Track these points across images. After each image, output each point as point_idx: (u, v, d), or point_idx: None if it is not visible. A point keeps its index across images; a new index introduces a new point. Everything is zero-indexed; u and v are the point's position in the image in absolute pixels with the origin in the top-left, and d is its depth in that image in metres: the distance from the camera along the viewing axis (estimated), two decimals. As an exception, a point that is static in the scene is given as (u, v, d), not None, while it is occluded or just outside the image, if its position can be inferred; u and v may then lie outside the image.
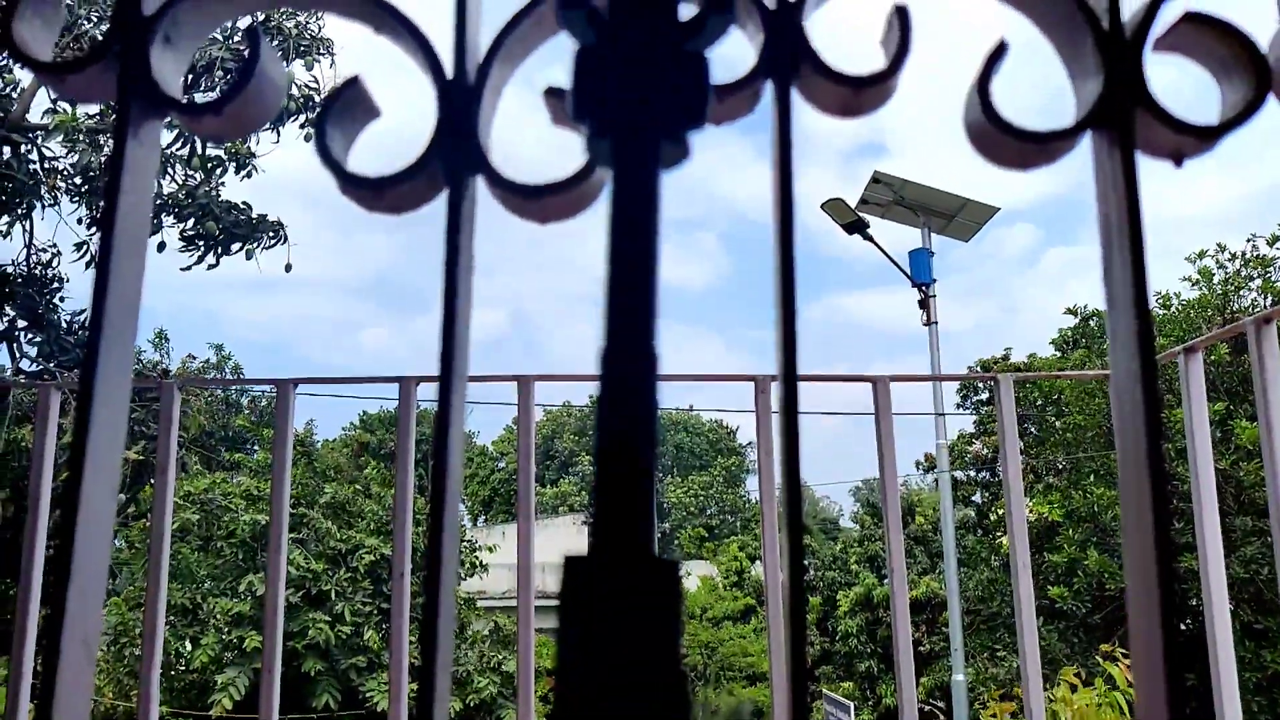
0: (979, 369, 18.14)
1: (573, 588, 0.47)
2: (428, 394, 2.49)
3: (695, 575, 27.55)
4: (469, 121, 0.59)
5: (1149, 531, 0.54)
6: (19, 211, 10.20)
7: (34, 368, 10.06)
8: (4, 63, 9.60)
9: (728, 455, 43.71)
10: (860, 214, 14.18)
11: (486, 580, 17.66)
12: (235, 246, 10.44)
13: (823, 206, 13.95)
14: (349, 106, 0.62)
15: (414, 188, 0.59)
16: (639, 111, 0.51)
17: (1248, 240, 14.05)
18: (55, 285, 10.53)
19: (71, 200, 10.22)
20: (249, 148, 10.40)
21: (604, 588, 0.47)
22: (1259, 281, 13.86)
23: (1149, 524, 0.54)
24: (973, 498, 18.86)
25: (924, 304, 13.74)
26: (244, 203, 10.54)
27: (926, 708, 17.81)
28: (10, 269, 10.33)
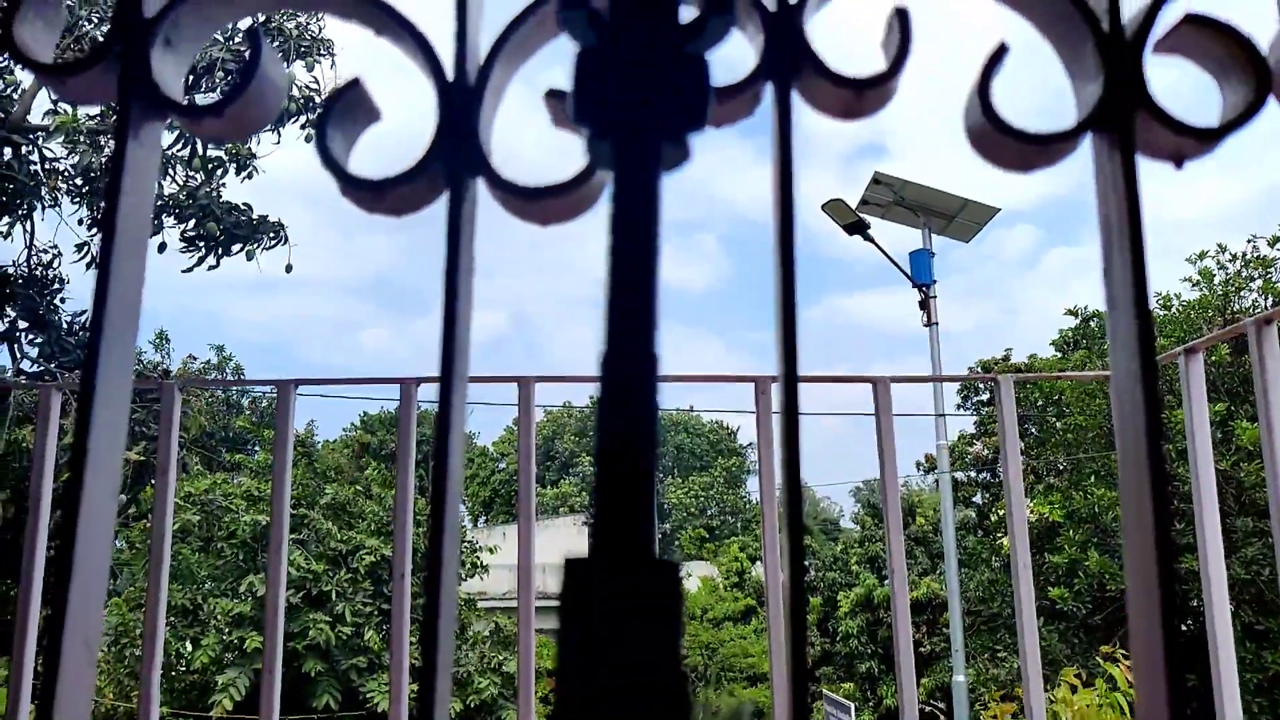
0: (979, 370, 18.14)
1: (573, 589, 0.47)
2: (428, 395, 2.49)
3: (696, 576, 27.56)
4: (470, 123, 0.59)
5: (1149, 532, 0.54)
6: (20, 212, 10.20)
7: (35, 368, 10.06)
8: (5, 64, 9.60)
9: (728, 456, 43.71)
10: (861, 215, 14.18)
11: (487, 581, 17.67)
12: (236, 247, 10.45)
13: (823, 207, 13.95)
14: (350, 109, 0.62)
15: (415, 189, 0.59)
16: (640, 114, 0.51)
17: (1248, 241, 14.06)
18: (56, 286, 10.54)
19: (72, 201, 10.23)
20: (249, 149, 10.41)
21: (604, 589, 0.47)
22: (1259, 282, 13.86)
23: (1149, 524, 0.54)
24: (973, 498, 18.86)
25: (924, 305, 13.73)
26: (244, 204, 10.55)
27: (927, 709, 17.81)
28: (11, 270, 10.33)
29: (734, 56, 0.61)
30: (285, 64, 10.26)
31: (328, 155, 0.60)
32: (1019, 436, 2.66)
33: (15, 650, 2.36)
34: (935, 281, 13.87)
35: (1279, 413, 2.16)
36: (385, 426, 32.08)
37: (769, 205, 0.57)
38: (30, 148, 9.80)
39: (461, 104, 0.59)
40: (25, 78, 10.07)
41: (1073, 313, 16.26)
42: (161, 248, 10.22)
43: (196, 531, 15.93)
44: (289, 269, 10.80)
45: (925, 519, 21.87)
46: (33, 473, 2.48)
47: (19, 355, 10.10)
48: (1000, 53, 0.61)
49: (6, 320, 10.16)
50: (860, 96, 0.60)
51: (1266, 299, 13.62)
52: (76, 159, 9.86)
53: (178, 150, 10.08)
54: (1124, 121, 0.58)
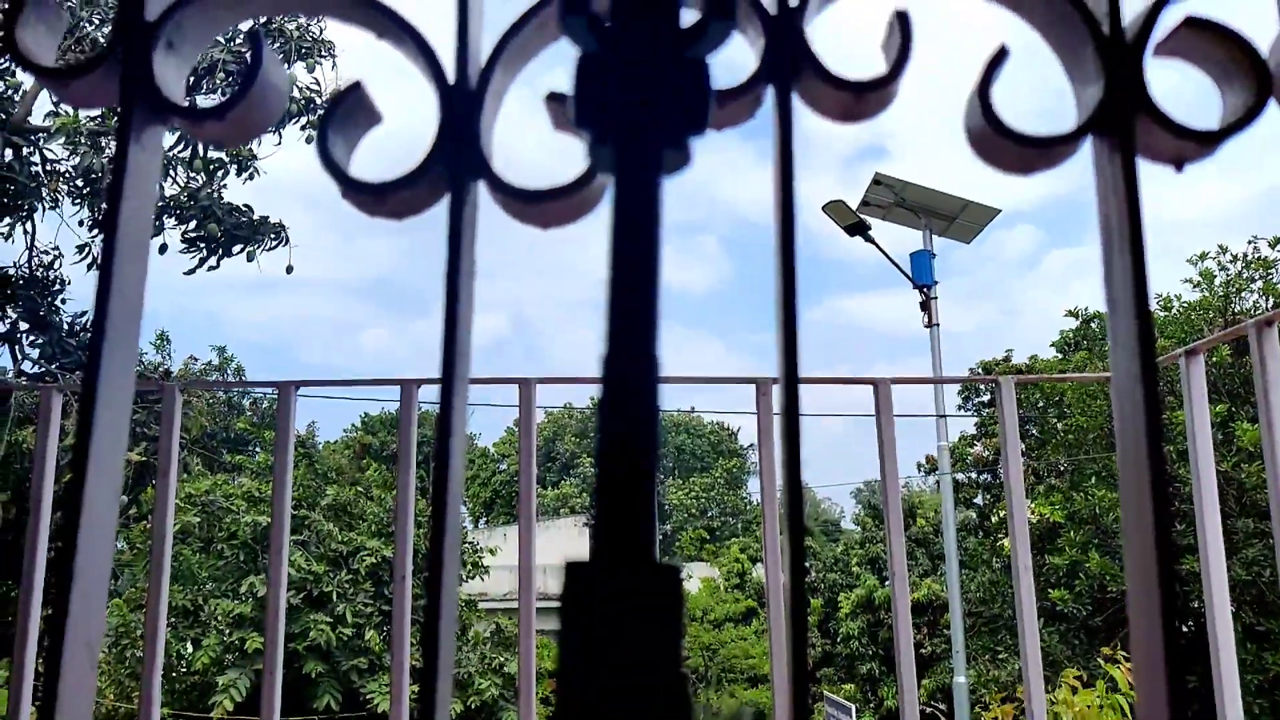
0: (980, 371, 18.14)
1: (574, 591, 0.47)
2: (429, 395, 2.50)
3: (697, 577, 27.56)
4: (471, 127, 0.59)
5: (1149, 533, 0.54)
6: (21, 214, 10.21)
7: (36, 370, 10.07)
8: (6, 65, 9.61)
9: (729, 457, 43.72)
10: (861, 216, 14.18)
11: (488, 582, 17.67)
12: (237, 248, 10.45)
13: (824, 209, 13.95)
14: (351, 112, 0.62)
15: (416, 193, 0.59)
16: (640, 118, 0.51)
17: (1249, 242, 14.06)
18: (57, 287, 10.54)
19: (73, 202, 10.23)
20: (250, 150, 10.42)
21: (605, 591, 0.47)
22: (1260, 284, 13.86)
23: (1149, 525, 0.54)
24: (974, 500, 18.86)
25: (925, 306, 13.73)
26: (245, 205, 10.55)
27: (928, 710, 17.80)
28: (12, 271, 10.34)
29: (735, 59, 0.61)
30: (286, 65, 10.27)
31: (329, 159, 0.60)
32: (1020, 437, 2.66)
33: (16, 652, 2.36)
34: (936, 283, 13.86)
35: (1280, 414, 2.16)
36: (386, 427, 32.09)
37: (770, 207, 0.57)
38: (31, 149, 9.81)
39: (463, 107, 0.59)
40: (27, 79, 10.07)
41: (1073, 314, 16.26)
42: (163, 249, 10.23)
43: (197, 532, 15.94)
44: (289, 270, 10.81)
45: (926, 520, 21.86)
46: (34, 474, 2.48)
47: (20, 356, 10.11)
48: (1001, 55, 0.61)
49: (7, 321, 10.16)
50: (860, 99, 0.60)
51: (1267, 300, 13.61)
52: (77, 160, 9.86)
53: (179, 151, 10.09)
54: (1124, 125, 0.58)
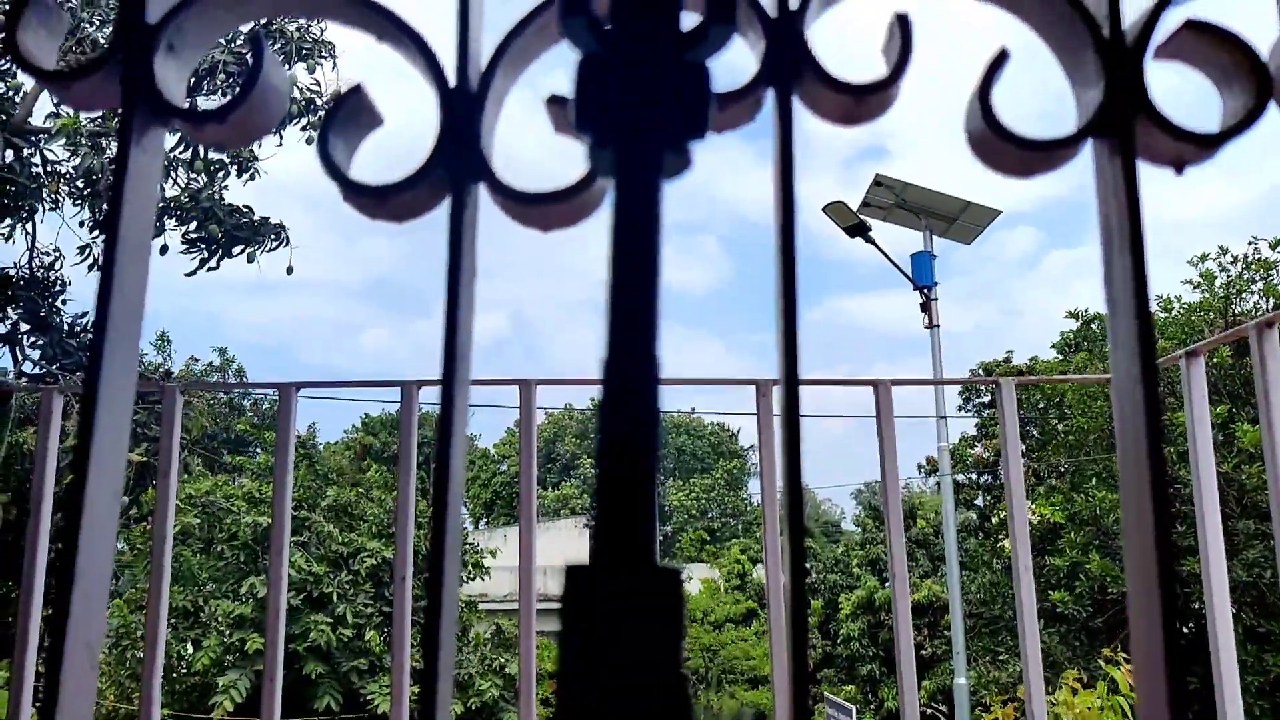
0: (981, 372, 18.15)
1: (575, 594, 0.47)
2: (430, 396, 2.50)
3: (697, 578, 27.55)
4: (472, 129, 0.59)
5: (1150, 534, 0.54)
6: (21, 215, 10.21)
7: (36, 370, 10.07)
8: (6, 66, 9.62)
9: (729, 458, 43.72)
10: (862, 217, 14.18)
11: (488, 583, 17.68)
12: (237, 249, 10.46)
13: (824, 209, 13.95)
14: (352, 115, 0.62)
15: (416, 196, 0.59)
16: (641, 121, 0.51)
17: (1249, 243, 14.06)
18: (58, 288, 10.55)
19: (74, 203, 10.23)
20: (251, 151, 10.42)
21: (606, 594, 0.47)
22: (1261, 285, 13.86)
23: (1150, 527, 0.54)
24: (975, 501, 18.86)
25: (926, 307, 13.73)
26: (246, 206, 10.56)
27: (929, 711, 17.80)
28: (13, 272, 10.34)
29: (735, 61, 0.61)
30: (287, 66, 10.27)
31: (330, 162, 0.60)
32: (1020, 438, 2.66)
33: (16, 653, 2.36)
34: (936, 283, 13.87)
35: (1280, 416, 2.16)
36: (386, 428, 32.09)
37: (770, 207, 0.57)
38: (32, 150, 9.82)
39: (463, 110, 0.59)
40: (28, 80, 10.07)
41: (1073, 315, 16.27)
42: (163, 250, 10.23)
43: (197, 533, 15.94)
44: (290, 271, 10.81)
45: (926, 521, 21.86)
46: (34, 475, 2.48)
47: (21, 357, 10.11)
48: (1001, 58, 0.61)
49: (8, 322, 10.17)
50: (860, 102, 0.60)
51: (1268, 301, 13.61)
52: (78, 161, 9.87)
53: (180, 153, 10.09)
54: (1125, 127, 0.58)
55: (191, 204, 10.23)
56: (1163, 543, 0.53)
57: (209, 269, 10.43)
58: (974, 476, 18.65)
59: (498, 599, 18.92)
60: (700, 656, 23.48)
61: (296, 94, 10.52)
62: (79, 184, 10.03)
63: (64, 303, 10.54)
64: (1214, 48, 0.62)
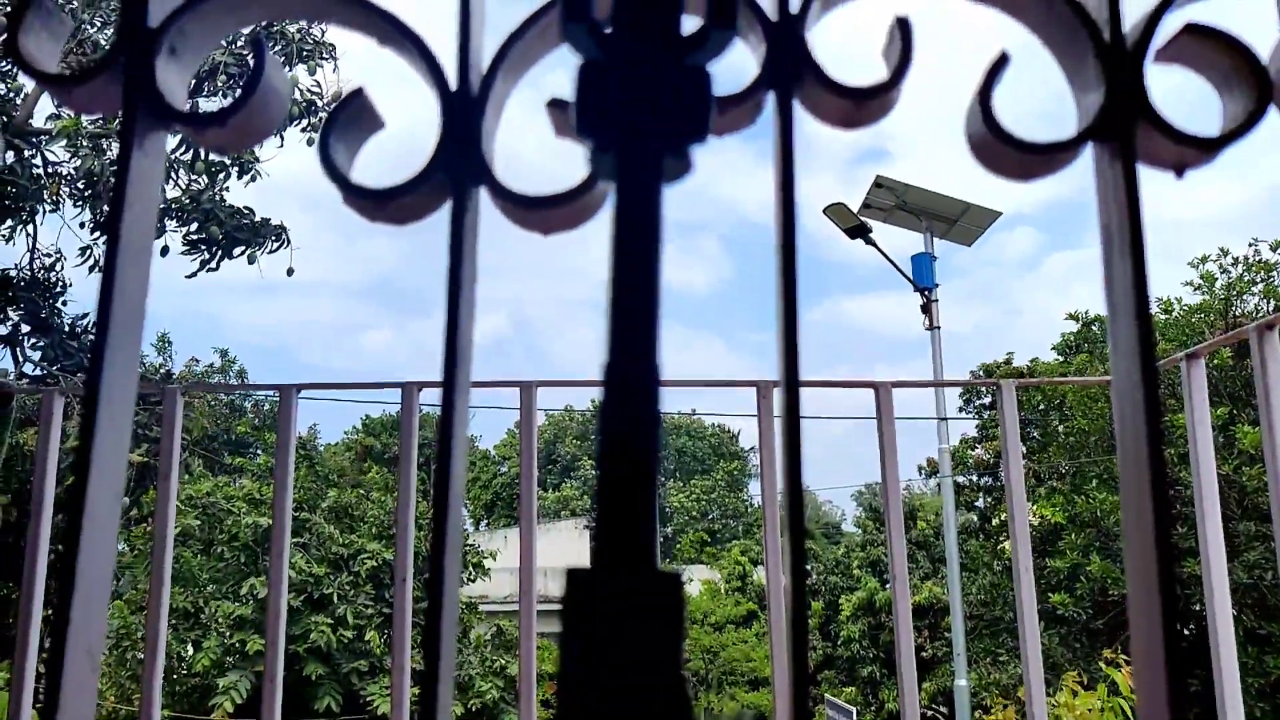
0: (981, 373, 18.15)
1: (575, 597, 0.47)
2: (431, 397, 2.50)
3: (697, 580, 27.54)
4: (472, 133, 0.59)
5: (1150, 536, 0.54)
6: (22, 216, 10.22)
7: (37, 372, 10.08)
8: (8, 68, 9.62)
9: (730, 459, 43.72)
10: (863, 218, 14.18)
11: (489, 584, 17.68)
12: (237, 250, 10.46)
13: (825, 211, 13.94)
14: (353, 118, 0.62)
15: (417, 199, 0.59)
16: (642, 126, 0.51)
17: (1250, 245, 14.05)
18: (59, 289, 10.55)
19: (74, 205, 10.24)
20: (252, 152, 10.42)
21: (606, 597, 0.47)
22: (1261, 286, 13.85)
23: (1150, 528, 0.54)
24: (975, 502, 18.85)
25: (926, 308, 13.73)
26: (246, 207, 10.56)
27: (929, 713, 17.79)
28: (14, 273, 10.35)
29: (736, 64, 0.61)
30: (287, 68, 10.27)
31: (331, 164, 0.60)
32: (1021, 440, 2.66)
33: (16, 656, 2.36)
34: (937, 285, 13.86)
35: (1281, 418, 2.16)
36: (387, 429, 32.11)
37: (771, 208, 0.57)
38: (33, 151, 9.82)
39: (464, 113, 0.59)
40: (28, 82, 10.08)
41: (1074, 317, 16.26)
42: (164, 251, 10.24)
43: (198, 534, 15.94)
44: (290, 272, 10.82)
45: (927, 523, 21.85)
46: (35, 477, 2.48)
47: (21, 358, 10.11)
48: (1001, 62, 0.61)
49: (9, 324, 10.17)
50: (861, 106, 0.60)
51: (1268, 303, 13.61)
52: (79, 162, 9.87)
53: (181, 154, 10.10)
54: (1125, 131, 0.58)
55: (192, 205, 10.24)
56: (1163, 544, 0.53)
57: (209, 270, 10.44)
58: (974, 478, 18.65)
59: (498, 600, 18.92)
60: (701, 658, 23.47)
61: (297, 95, 10.52)
62: (80, 185, 10.03)
63: (64, 304, 10.55)
64: (1214, 51, 0.62)
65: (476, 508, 37.58)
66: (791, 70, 0.59)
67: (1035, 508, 14.27)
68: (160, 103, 0.60)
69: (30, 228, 10.50)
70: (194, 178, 10.38)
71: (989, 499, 18.09)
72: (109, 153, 9.69)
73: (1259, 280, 13.93)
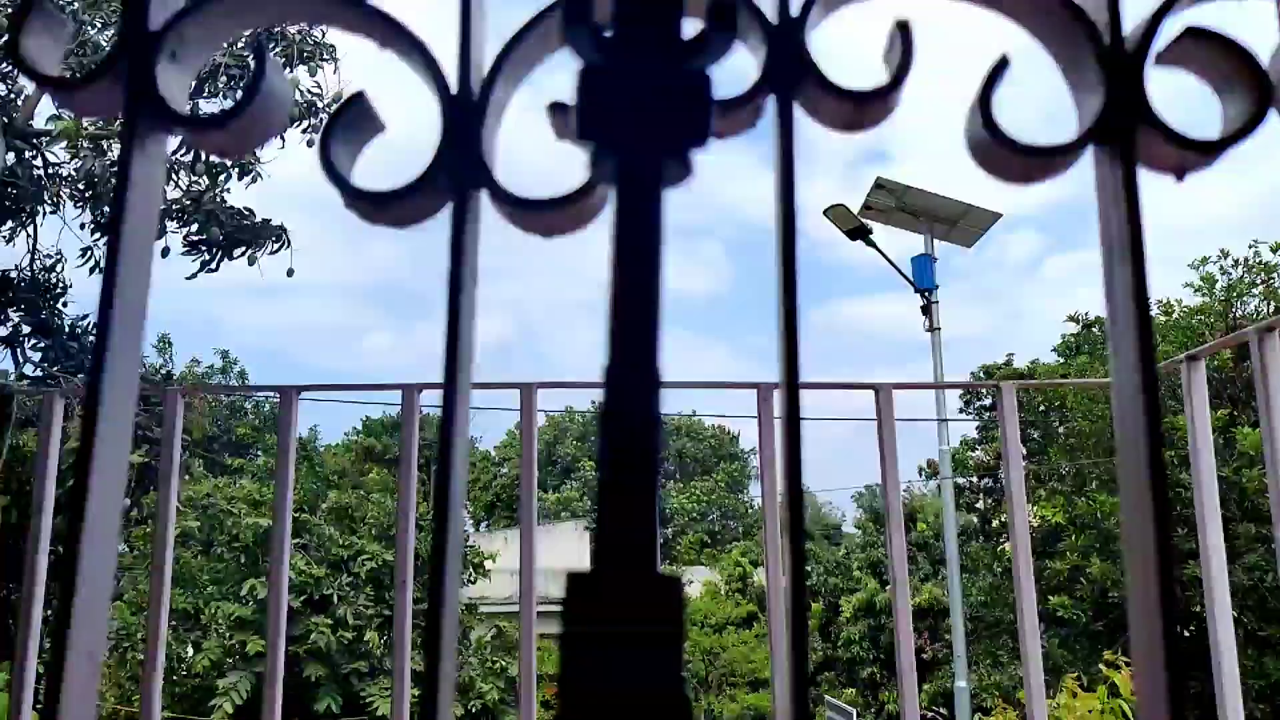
0: (982, 375, 18.15)
1: (576, 601, 0.47)
2: (431, 399, 2.50)
3: (698, 581, 27.53)
4: (473, 136, 0.59)
5: (1150, 538, 0.54)
6: (23, 217, 10.22)
7: (38, 373, 10.07)
8: (9, 70, 9.63)
9: (730, 461, 43.71)
10: (863, 220, 14.18)
11: (489, 585, 17.67)
12: (238, 251, 10.46)
13: (825, 213, 13.94)
14: (354, 122, 0.62)
15: (418, 202, 0.59)
16: (642, 130, 0.51)
17: (1250, 246, 14.05)
18: (59, 290, 10.55)
19: (75, 206, 10.24)
20: (253, 153, 10.42)
21: (607, 601, 0.47)
22: (1261, 288, 13.85)
23: (1150, 531, 0.54)
24: (975, 504, 18.84)
25: (926, 310, 13.73)
26: (247, 208, 10.56)
27: (929, 715, 17.78)
28: (14, 274, 10.35)
29: (736, 66, 0.61)
30: (288, 69, 10.28)
31: (331, 168, 0.60)
32: (1021, 441, 2.66)
33: (17, 657, 2.36)
34: (937, 287, 13.87)
35: (1281, 420, 2.16)
36: (387, 431, 32.09)
37: (772, 211, 0.57)
38: (33, 152, 9.83)
39: (465, 117, 0.59)
40: (29, 84, 10.08)
41: (1074, 319, 16.27)
42: (164, 252, 10.23)
43: (198, 535, 15.94)
44: (290, 273, 10.81)
45: (927, 524, 21.85)
46: (35, 478, 2.48)
47: (22, 359, 10.11)
48: (1001, 66, 0.61)
49: (9, 325, 10.17)
50: (862, 109, 0.60)
51: (1268, 305, 13.61)
52: (79, 163, 9.88)
53: (181, 155, 10.10)
54: (1125, 135, 0.58)
55: (193, 206, 10.24)
56: (1163, 546, 0.54)
57: (209, 271, 10.43)
58: (975, 480, 18.64)
59: (498, 601, 18.91)
60: (701, 660, 23.46)
61: (298, 97, 10.52)
62: (80, 186, 10.04)
63: (65, 305, 10.55)
64: (1214, 55, 0.62)
65: (477, 509, 37.57)
66: (792, 73, 0.59)
67: (1035, 509, 14.27)
68: (161, 106, 0.60)
69: (31, 229, 10.50)
70: (195, 179, 10.38)
71: (989, 500, 18.09)
72: (110, 154, 9.69)
73: (1259, 282, 13.93)
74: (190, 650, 14.59)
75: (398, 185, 0.59)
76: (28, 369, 10.12)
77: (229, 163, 10.29)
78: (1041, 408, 16.04)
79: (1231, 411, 12.31)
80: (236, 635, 14.45)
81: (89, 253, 10.12)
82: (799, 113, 0.59)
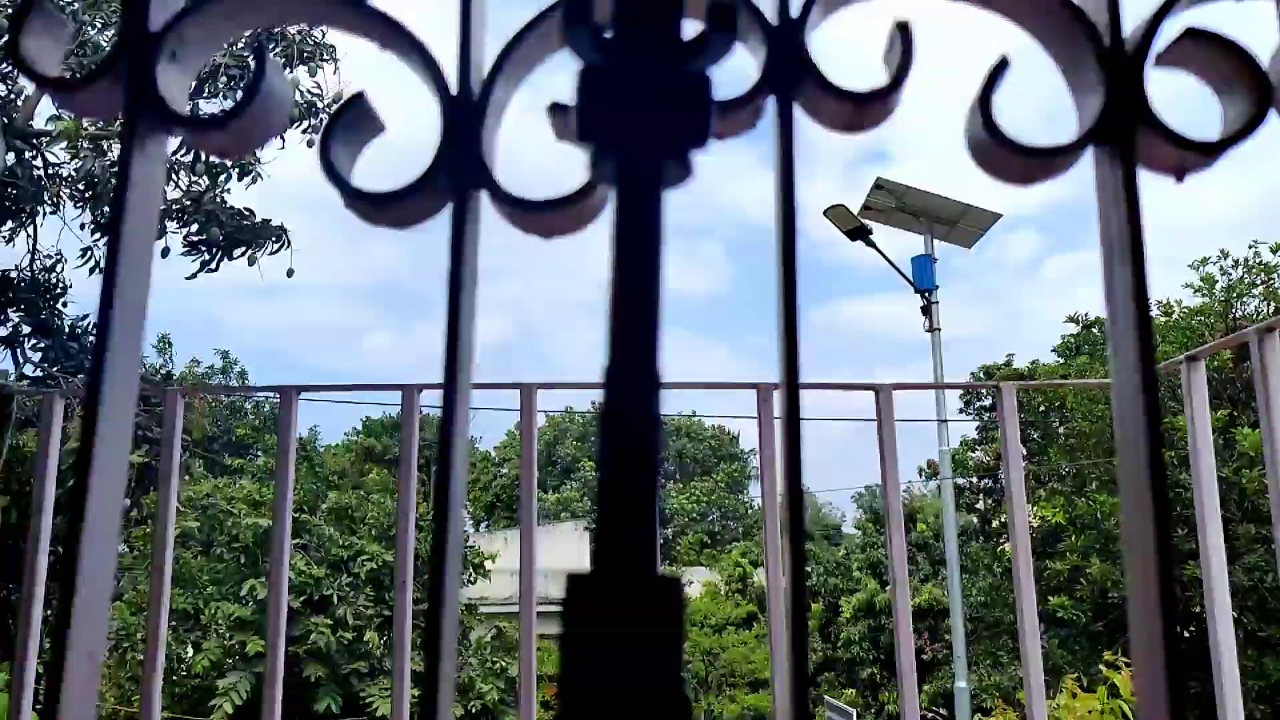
0: (982, 375, 18.15)
1: (576, 603, 0.47)
2: (431, 399, 2.50)
3: (697, 582, 27.53)
4: (473, 137, 0.59)
5: (1150, 538, 0.54)
6: (23, 218, 10.22)
7: (38, 373, 10.07)
8: (8, 70, 9.63)
9: (730, 461, 43.71)
10: (863, 220, 14.19)
11: (488, 586, 17.68)
12: (238, 251, 10.46)
13: (825, 213, 13.95)
14: (354, 122, 0.62)
15: (418, 203, 0.59)
16: (642, 131, 0.51)
17: (1250, 247, 14.05)
18: (59, 290, 10.55)
19: (75, 206, 10.24)
20: (253, 153, 10.42)
21: (607, 603, 0.47)
22: (1261, 288, 13.85)
23: (1150, 531, 0.54)
24: (976, 504, 18.84)
25: (926, 310, 13.73)
26: (247, 209, 10.56)
27: (929, 715, 17.78)
28: (14, 274, 10.35)
29: (736, 67, 0.61)
30: (288, 69, 10.28)
31: (331, 169, 0.60)
32: (1021, 441, 2.66)
33: (17, 658, 2.36)
34: (937, 287, 13.87)
35: (1281, 420, 2.16)
36: (387, 431, 32.08)
37: (772, 211, 0.57)
38: (33, 153, 9.82)
39: (465, 118, 0.59)
40: (29, 84, 10.08)
41: (1074, 319, 16.27)
42: (165, 252, 10.23)
43: (198, 535, 15.94)
44: (290, 273, 10.80)
45: (927, 525, 21.86)
46: (35, 479, 2.48)
47: (22, 360, 10.11)
48: (1001, 67, 0.61)
49: (9, 325, 10.17)
50: (862, 110, 0.60)
51: (1268, 305, 13.61)
52: (79, 164, 9.88)
53: (181, 155, 10.10)
54: (1125, 136, 0.58)
55: (193, 206, 10.24)
56: (1163, 547, 0.54)
57: (209, 271, 10.43)
58: (975, 480, 18.64)
59: (498, 601, 18.91)
60: (701, 660, 23.46)
61: (298, 97, 10.52)
62: (80, 187, 10.04)
63: (65, 305, 10.54)
64: (1214, 56, 0.62)
65: (476, 509, 37.56)
66: (792, 74, 0.59)
67: (1035, 509, 14.27)
68: (161, 107, 0.60)
69: (31, 229, 10.49)
70: (195, 179, 10.38)
71: (989, 501, 18.09)
72: (110, 154, 9.69)
73: (1259, 282, 13.93)
74: (190, 650, 14.59)
75: (398, 186, 0.59)
76: (28, 369, 10.12)
77: (229, 163, 10.29)
78: (1041, 408, 16.04)
79: (1231, 412, 12.31)
80: (236, 635, 14.45)
81: (89, 253, 10.12)
82: (799, 113, 0.59)
